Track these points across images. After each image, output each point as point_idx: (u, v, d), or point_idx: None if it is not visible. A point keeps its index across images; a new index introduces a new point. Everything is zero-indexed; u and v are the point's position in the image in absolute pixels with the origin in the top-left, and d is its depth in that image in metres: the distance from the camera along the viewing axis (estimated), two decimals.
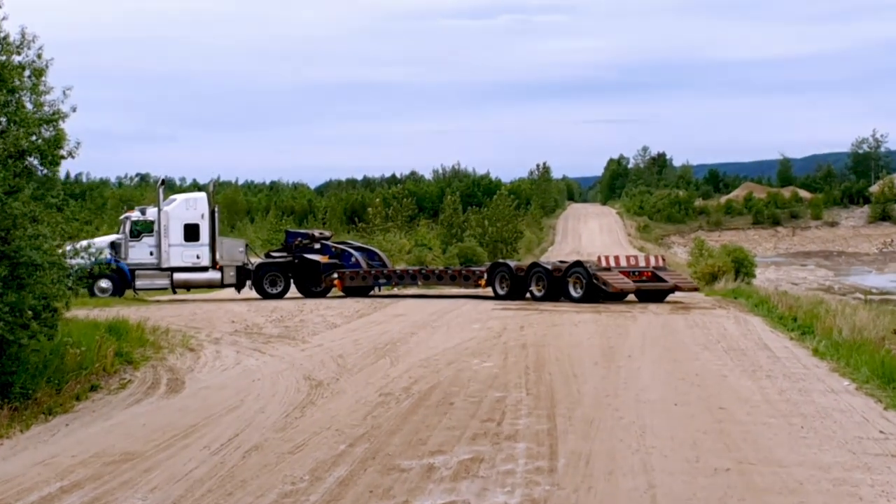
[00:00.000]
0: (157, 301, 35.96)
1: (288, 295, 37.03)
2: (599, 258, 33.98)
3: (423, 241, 69.22)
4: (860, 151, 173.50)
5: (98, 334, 18.54)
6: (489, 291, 34.43)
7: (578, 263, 32.92)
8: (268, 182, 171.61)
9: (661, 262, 34.48)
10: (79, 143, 16.07)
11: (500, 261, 38.02)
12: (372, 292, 37.69)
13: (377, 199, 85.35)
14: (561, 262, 34.76)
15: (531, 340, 21.55)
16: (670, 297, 32.63)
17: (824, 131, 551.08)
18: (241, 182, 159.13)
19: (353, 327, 25.04)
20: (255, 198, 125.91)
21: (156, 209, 37.21)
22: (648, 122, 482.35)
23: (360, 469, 10.60)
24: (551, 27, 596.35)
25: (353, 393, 15.27)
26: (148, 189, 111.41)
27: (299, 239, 39.43)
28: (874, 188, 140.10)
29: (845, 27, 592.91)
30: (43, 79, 15.75)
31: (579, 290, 31.91)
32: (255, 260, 39.14)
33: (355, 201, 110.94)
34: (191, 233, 36.97)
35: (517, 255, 71.29)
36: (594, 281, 31.49)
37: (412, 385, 15.84)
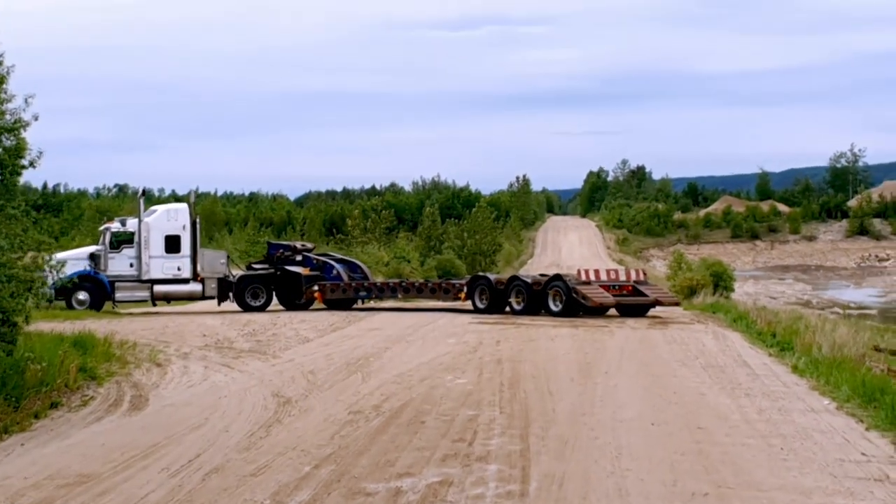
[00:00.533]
0: (130, 314, 35.45)
1: (269, 308, 36.57)
2: (579, 272, 33.48)
3: (401, 253, 68.76)
4: (838, 166, 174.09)
5: (62, 349, 18.07)
6: (469, 305, 34.04)
7: (558, 277, 32.56)
8: (247, 193, 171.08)
9: (642, 276, 34.07)
10: (41, 153, 15.69)
11: (480, 274, 37.62)
12: (355, 305, 37.29)
13: (356, 211, 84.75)
14: (541, 275, 34.41)
15: (507, 355, 21.16)
16: (650, 312, 32.28)
17: (803, 145, 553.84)
18: (219, 193, 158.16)
19: (326, 341, 24.60)
20: (233, 209, 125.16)
21: (136, 220, 36.68)
22: (628, 134, 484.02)
23: (324, 493, 10.18)
24: (533, 38, 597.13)
25: (322, 411, 14.83)
26: (126, 200, 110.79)
27: (281, 251, 39.13)
28: (852, 202, 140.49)
29: (824, 40, 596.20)
30: (4, 86, 15.32)
31: (559, 304, 31.55)
32: (237, 272, 38.67)
33: (334, 213, 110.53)
34: (172, 244, 36.49)
35: (496, 268, 70.91)
36: (573, 295, 31.14)
37: (383, 402, 15.42)
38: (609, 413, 14.45)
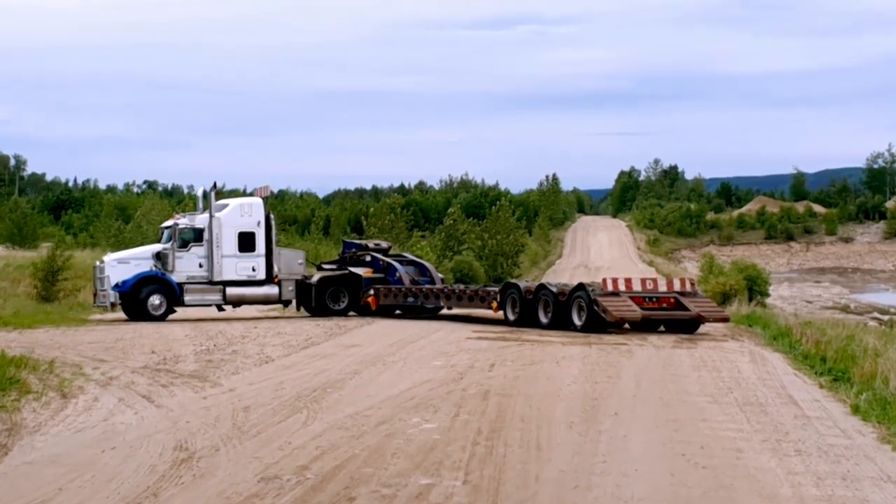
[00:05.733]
0: (101, 321, 31.91)
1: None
2: (605, 281, 28.23)
3: (417, 253, 64.87)
4: (875, 166, 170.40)
5: None
6: (501, 315, 29.95)
7: (581, 287, 28.10)
8: (276, 191, 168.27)
9: (689, 287, 28.76)
10: None
11: (511, 281, 33.24)
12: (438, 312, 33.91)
13: (371, 210, 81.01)
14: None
15: (497, 386, 17.26)
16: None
17: (838, 146, 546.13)
18: (248, 190, 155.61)
19: (288, 363, 20.71)
20: None
21: (205, 216, 33.01)
22: (661, 134, 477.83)
23: None
24: (566, 38, 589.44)
25: (225, 476, 10.97)
26: (147, 196, 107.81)
27: (353, 250, 36.41)
28: (890, 203, 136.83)
29: (858, 40, 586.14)
30: None
31: (582, 317, 27.36)
32: (315, 274, 35.15)
33: (360, 211, 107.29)
34: (245, 242, 32.92)
35: (518, 270, 67.18)
36: (595, 308, 26.92)
37: (314, 461, 11.55)
38: (612, 485, 10.55)
